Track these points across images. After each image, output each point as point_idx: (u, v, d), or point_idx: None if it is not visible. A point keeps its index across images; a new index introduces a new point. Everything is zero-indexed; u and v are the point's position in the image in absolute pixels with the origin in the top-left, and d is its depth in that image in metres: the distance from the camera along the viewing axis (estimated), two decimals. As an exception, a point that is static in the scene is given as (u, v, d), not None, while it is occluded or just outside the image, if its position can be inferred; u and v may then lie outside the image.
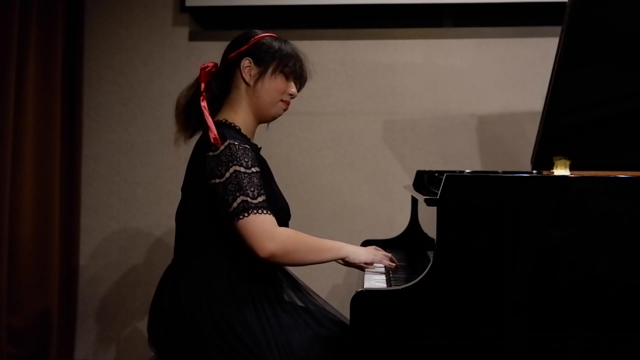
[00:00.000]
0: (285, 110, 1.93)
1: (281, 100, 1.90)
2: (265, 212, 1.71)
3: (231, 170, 1.71)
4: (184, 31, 3.17)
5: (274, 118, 1.94)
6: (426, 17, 3.14)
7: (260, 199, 1.71)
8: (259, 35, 1.89)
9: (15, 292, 2.82)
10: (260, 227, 1.70)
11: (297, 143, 3.11)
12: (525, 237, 1.59)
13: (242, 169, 1.71)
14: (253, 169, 1.73)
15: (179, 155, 3.13)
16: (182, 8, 3.15)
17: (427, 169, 2.52)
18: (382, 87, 3.08)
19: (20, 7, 2.75)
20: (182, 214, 1.86)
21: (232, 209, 1.70)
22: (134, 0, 3.19)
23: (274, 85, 1.87)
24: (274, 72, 1.86)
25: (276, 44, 1.88)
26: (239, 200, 1.69)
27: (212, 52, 3.12)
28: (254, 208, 1.70)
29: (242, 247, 1.73)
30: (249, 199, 1.69)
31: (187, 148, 1.91)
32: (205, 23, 3.24)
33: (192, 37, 3.16)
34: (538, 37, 2.99)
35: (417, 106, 3.07)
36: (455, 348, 1.59)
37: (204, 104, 1.84)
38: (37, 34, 2.88)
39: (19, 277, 2.84)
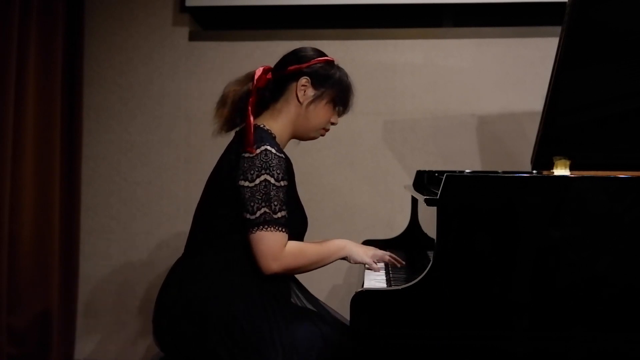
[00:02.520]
0: (322, 136, 1.97)
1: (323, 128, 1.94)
2: (280, 229, 1.75)
3: (262, 177, 1.74)
4: (184, 31, 3.17)
5: (308, 139, 1.98)
6: (426, 17, 3.13)
7: (280, 214, 1.75)
8: (322, 58, 1.91)
9: (15, 292, 2.82)
10: (270, 248, 1.74)
11: (297, 143, 3.10)
12: (525, 237, 1.59)
13: (273, 180, 1.74)
14: (282, 182, 1.76)
15: (178, 155, 3.15)
16: (182, 8, 3.15)
17: (427, 169, 2.52)
18: (382, 87, 3.08)
19: (20, 7, 2.75)
20: (203, 209, 1.88)
21: (253, 217, 1.74)
22: (134, 0, 3.19)
23: (324, 112, 1.91)
24: (329, 100, 1.90)
25: (337, 73, 1.91)
26: (262, 210, 1.73)
27: (212, 52, 3.13)
28: (272, 223, 1.73)
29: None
30: (271, 213, 1.73)
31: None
32: (205, 23, 3.24)
33: (192, 37, 3.16)
34: (538, 37, 2.99)
35: (417, 106, 3.07)
36: (455, 348, 1.59)
37: (251, 108, 1.85)
38: (37, 34, 2.88)
39: (19, 277, 2.84)
